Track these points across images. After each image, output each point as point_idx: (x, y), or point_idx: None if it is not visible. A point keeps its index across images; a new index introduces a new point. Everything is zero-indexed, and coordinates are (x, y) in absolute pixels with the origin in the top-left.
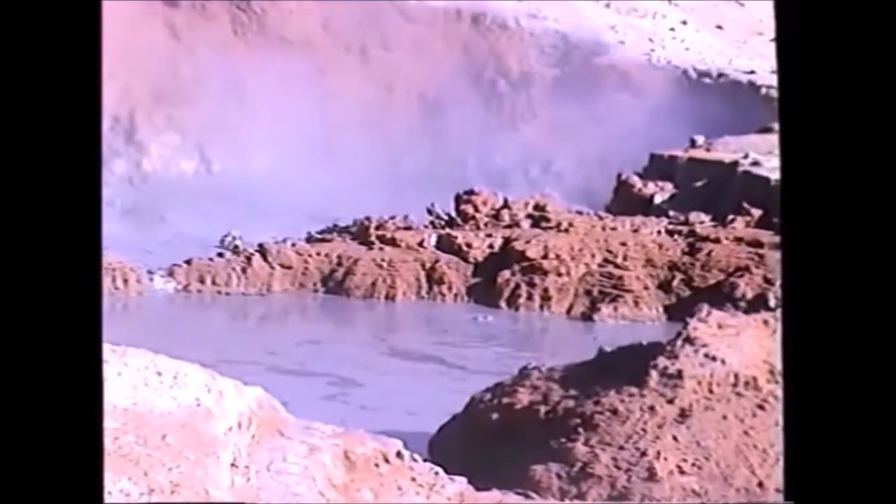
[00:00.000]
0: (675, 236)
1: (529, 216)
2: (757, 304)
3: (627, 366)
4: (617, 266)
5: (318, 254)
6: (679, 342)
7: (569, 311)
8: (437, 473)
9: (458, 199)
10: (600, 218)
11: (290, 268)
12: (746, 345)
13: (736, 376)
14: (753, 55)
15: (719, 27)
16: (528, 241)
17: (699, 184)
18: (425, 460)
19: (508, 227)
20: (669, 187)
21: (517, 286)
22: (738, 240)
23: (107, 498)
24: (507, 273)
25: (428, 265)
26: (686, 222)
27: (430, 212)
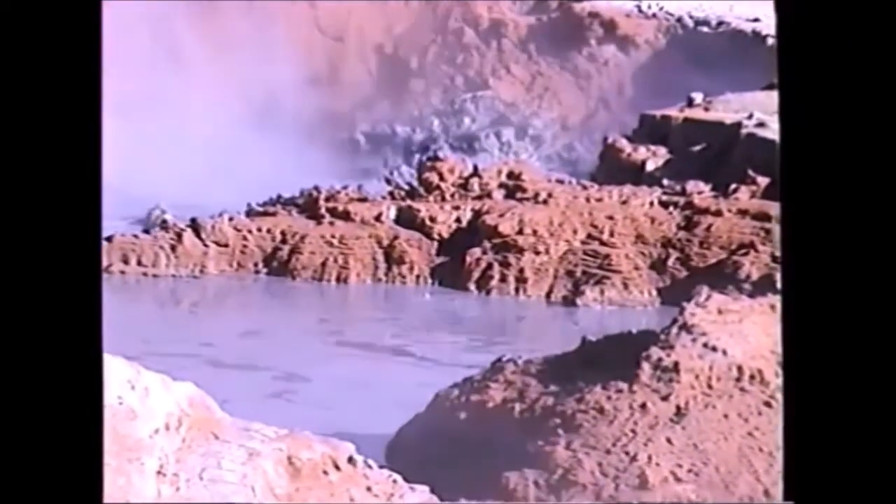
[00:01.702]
0: (670, 208)
1: (502, 186)
2: (763, 285)
3: (615, 357)
4: (603, 243)
5: (260, 230)
6: (674, 330)
7: (548, 294)
8: (395, 481)
9: (420, 167)
10: (584, 188)
11: (226, 246)
12: (751, 333)
13: (739, 369)
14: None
15: None
16: (500, 215)
17: (697, 148)
18: (382, 467)
19: (478, 198)
20: (663, 152)
21: (489, 266)
22: (742, 212)
23: None
24: (477, 251)
25: (386, 242)
26: (682, 192)
27: (388, 181)
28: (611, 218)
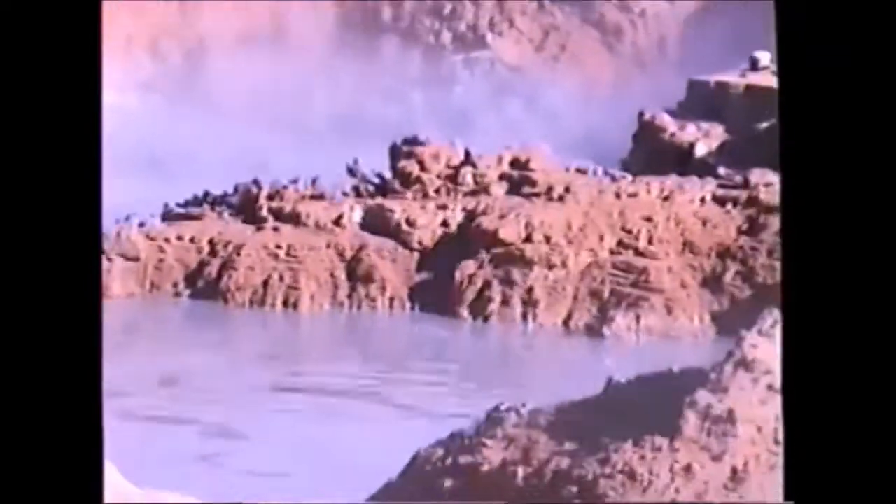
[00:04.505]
0: (728, 206)
1: (505, 177)
2: None
3: (651, 405)
4: (639, 253)
5: (180, 238)
6: (729, 367)
7: (566, 322)
8: None
9: (394, 153)
10: (613, 179)
11: (136, 260)
12: None
13: None
14: None
15: None
16: (502, 216)
17: (763, 125)
18: None
19: (473, 194)
20: (718, 131)
21: (486, 285)
22: None
23: None
24: (470, 265)
25: (349, 254)
26: (745, 185)
27: (351, 172)
28: (649, 220)
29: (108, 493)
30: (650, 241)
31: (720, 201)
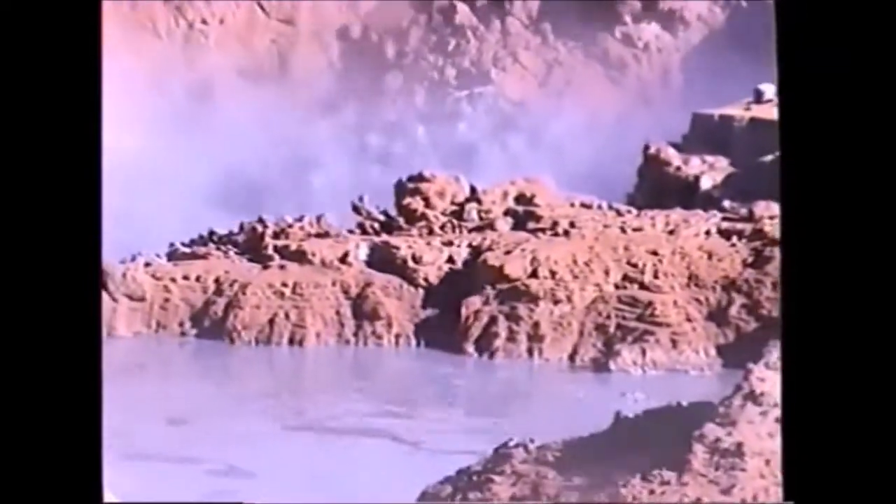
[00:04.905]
0: (733, 239)
1: (510, 212)
2: None
3: (660, 438)
4: (644, 287)
5: (186, 277)
6: (737, 401)
7: (572, 357)
8: None
9: (400, 189)
10: (618, 214)
11: (142, 300)
12: None
13: None
14: None
15: None
16: (507, 252)
17: (768, 158)
18: None
19: (478, 229)
20: (723, 164)
21: (492, 321)
22: None
23: None
24: (476, 301)
25: (355, 291)
26: (749, 217)
27: (357, 209)
28: (654, 253)
29: None
30: (656, 275)
31: (725, 234)
